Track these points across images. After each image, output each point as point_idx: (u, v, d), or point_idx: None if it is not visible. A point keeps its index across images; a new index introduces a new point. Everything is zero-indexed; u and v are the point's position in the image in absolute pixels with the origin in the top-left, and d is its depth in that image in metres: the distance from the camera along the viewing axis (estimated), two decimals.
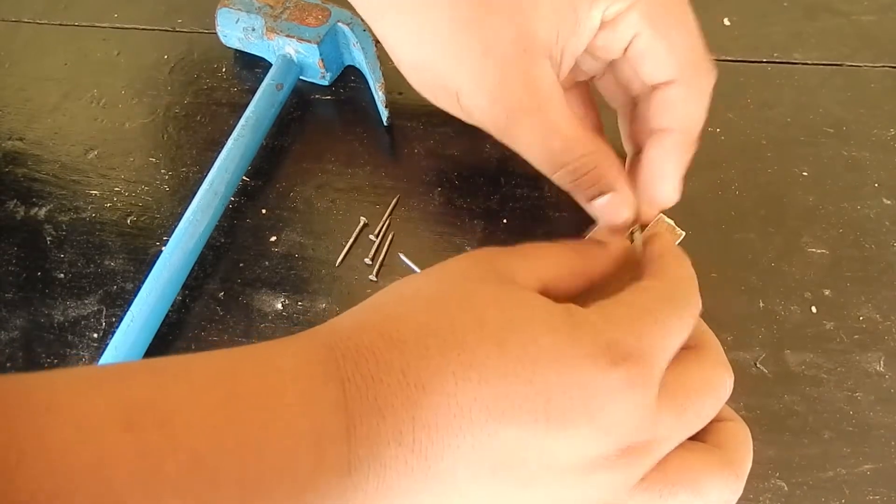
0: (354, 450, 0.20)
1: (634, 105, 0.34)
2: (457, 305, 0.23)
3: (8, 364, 0.36)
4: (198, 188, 0.37)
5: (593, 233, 0.37)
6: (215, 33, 0.44)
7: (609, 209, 0.30)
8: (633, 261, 0.34)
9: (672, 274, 0.27)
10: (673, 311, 0.25)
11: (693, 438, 0.25)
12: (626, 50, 0.29)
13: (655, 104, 0.30)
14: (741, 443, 0.26)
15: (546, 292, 0.26)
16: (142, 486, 0.16)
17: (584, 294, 0.32)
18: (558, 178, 0.30)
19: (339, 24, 0.41)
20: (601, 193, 0.30)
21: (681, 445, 0.25)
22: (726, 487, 0.24)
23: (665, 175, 0.30)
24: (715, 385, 0.25)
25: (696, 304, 0.26)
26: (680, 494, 0.24)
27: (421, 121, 0.42)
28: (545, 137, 0.29)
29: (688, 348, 0.26)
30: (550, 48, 0.28)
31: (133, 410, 0.17)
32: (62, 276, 0.38)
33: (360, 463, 0.20)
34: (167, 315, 0.36)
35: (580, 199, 0.30)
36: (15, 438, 0.15)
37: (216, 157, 0.38)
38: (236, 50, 0.45)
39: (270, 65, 0.43)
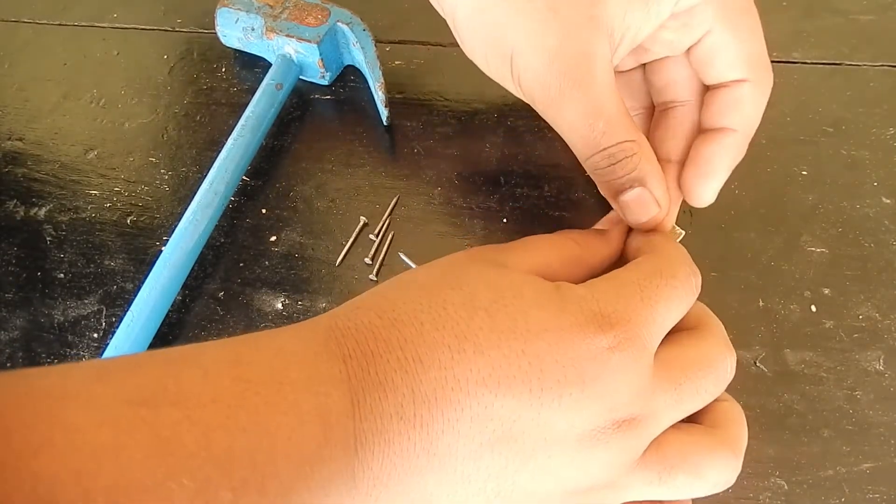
0: (359, 425, 0.21)
1: (653, 107, 0.33)
2: (448, 285, 0.24)
3: (8, 364, 0.36)
4: (197, 188, 0.37)
5: (599, 223, 0.37)
6: (215, 33, 0.44)
7: (637, 203, 0.29)
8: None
9: (658, 250, 0.28)
10: (659, 280, 0.25)
11: (689, 420, 0.26)
12: (691, 48, 0.29)
13: (720, 103, 0.29)
14: (736, 422, 0.26)
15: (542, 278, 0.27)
16: (159, 462, 0.17)
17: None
18: (593, 162, 0.28)
19: (339, 23, 0.41)
20: (631, 186, 0.29)
21: (678, 427, 0.25)
22: (726, 467, 0.24)
23: (717, 174, 0.30)
24: (713, 361, 0.25)
25: (687, 274, 0.26)
26: (679, 476, 0.24)
27: (421, 120, 0.42)
28: (591, 115, 0.27)
29: (689, 329, 0.26)
30: (614, 25, 0.27)
31: (145, 392, 0.18)
32: (62, 276, 0.38)
33: (365, 438, 0.21)
34: (167, 315, 0.36)
35: (607, 190, 0.29)
36: (34, 423, 0.16)
37: (216, 157, 0.38)
38: (236, 50, 0.45)
39: (270, 64, 0.43)
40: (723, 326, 0.28)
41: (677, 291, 0.25)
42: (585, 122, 0.27)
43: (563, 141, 0.41)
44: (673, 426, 0.25)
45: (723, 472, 0.24)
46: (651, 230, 0.30)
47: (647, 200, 0.29)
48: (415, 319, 0.23)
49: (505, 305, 0.23)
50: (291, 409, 0.20)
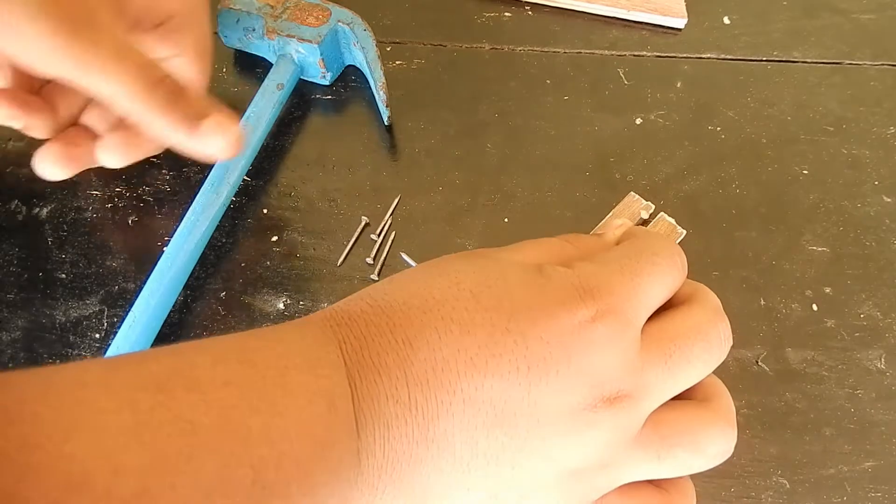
0: (358, 405, 0.21)
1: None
2: (436, 272, 0.24)
3: (10, 364, 0.36)
4: (199, 188, 0.37)
5: (597, 229, 0.37)
6: (216, 34, 0.44)
7: (213, 135, 0.30)
8: None
9: (640, 234, 0.28)
10: (640, 257, 0.25)
11: (678, 397, 0.25)
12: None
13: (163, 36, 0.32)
14: (724, 393, 0.26)
15: None
16: (183, 440, 0.17)
17: None
18: (157, 102, 0.28)
19: (340, 23, 0.41)
20: (198, 119, 0.30)
21: (672, 403, 0.25)
22: (723, 439, 0.24)
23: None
24: (703, 329, 0.25)
25: (670, 252, 0.26)
26: (678, 453, 0.24)
27: (421, 120, 0.42)
28: (123, 54, 0.27)
29: (678, 303, 0.26)
30: None
31: (160, 378, 0.18)
32: (64, 276, 0.38)
33: (365, 421, 0.21)
34: (169, 315, 0.36)
35: (180, 132, 0.29)
36: (61, 407, 0.16)
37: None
38: (237, 50, 0.45)
39: (271, 65, 0.43)
40: (716, 297, 0.27)
41: (660, 268, 0.25)
42: (123, 61, 0.27)
43: (566, 141, 0.41)
44: (667, 402, 0.25)
45: (721, 443, 0.24)
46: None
47: (223, 124, 0.30)
48: (403, 304, 0.23)
49: (489, 287, 0.23)
50: (299, 390, 0.20)
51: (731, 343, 0.26)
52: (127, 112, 0.28)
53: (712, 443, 0.24)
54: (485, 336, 0.22)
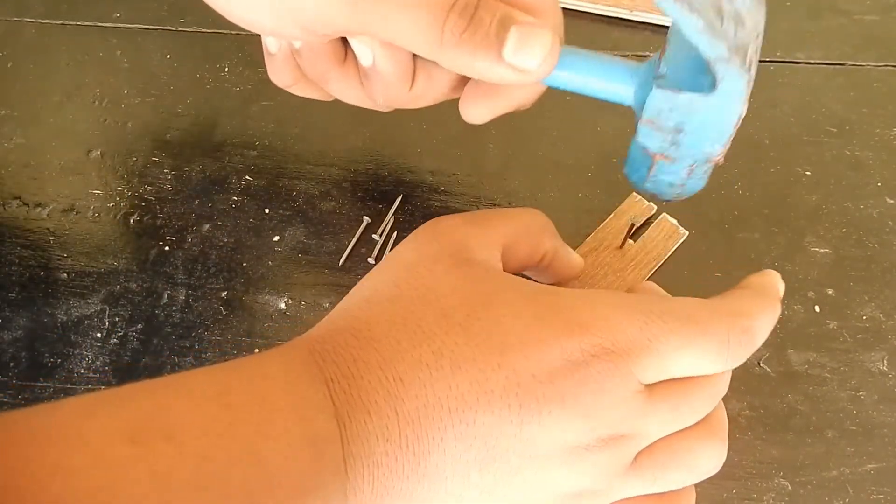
0: (347, 448, 0.21)
1: None
2: (419, 300, 0.23)
3: (11, 364, 0.36)
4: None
5: (598, 230, 0.37)
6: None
7: (527, 41, 0.23)
8: (617, 256, 0.35)
9: (732, 296, 0.26)
10: (660, 309, 0.23)
11: None
12: None
13: None
14: (718, 406, 0.25)
15: (507, 256, 0.26)
16: (157, 498, 0.16)
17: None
18: (450, 30, 0.22)
19: None
20: (507, 30, 0.23)
21: None
22: (715, 456, 0.24)
23: None
24: (713, 381, 0.25)
25: (722, 341, 0.24)
26: (672, 475, 0.24)
27: (424, 121, 0.42)
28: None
29: None
30: None
31: (136, 426, 0.18)
32: (65, 275, 0.38)
33: (354, 461, 0.21)
34: (170, 314, 0.36)
35: (486, 60, 0.23)
36: (27, 466, 0.15)
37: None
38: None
39: None
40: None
41: (670, 325, 0.23)
42: None
43: (568, 142, 0.41)
44: None
45: (714, 461, 0.24)
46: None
47: (533, 32, 0.23)
48: (391, 338, 0.22)
49: (477, 319, 0.22)
50: (282, 436, 0.19)
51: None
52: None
53: (706, 462, 0.24)
54: (476, 372, 0.22)
